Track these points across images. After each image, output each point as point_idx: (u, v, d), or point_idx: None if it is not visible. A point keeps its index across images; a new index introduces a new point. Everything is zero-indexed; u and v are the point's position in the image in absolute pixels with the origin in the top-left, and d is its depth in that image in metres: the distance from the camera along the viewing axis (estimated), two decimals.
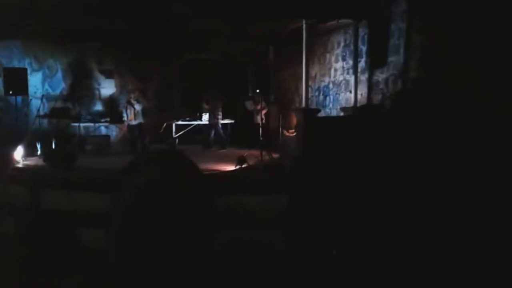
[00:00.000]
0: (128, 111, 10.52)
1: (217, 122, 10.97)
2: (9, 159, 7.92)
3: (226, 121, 11.46)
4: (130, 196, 3.56)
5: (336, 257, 4.29)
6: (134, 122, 10.50)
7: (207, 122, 11.20)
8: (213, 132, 10.99)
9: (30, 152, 8.96)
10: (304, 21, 8.35)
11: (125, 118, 10.63)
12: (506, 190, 4.44)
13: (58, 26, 8.73)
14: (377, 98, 8.09)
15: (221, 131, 11.02)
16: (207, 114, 11.22)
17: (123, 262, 3.52)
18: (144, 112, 10.84)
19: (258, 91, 9.58)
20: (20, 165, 8.05)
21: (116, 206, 3.77)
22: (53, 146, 9.38)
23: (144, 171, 3.93)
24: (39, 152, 9.17)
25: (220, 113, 11.06)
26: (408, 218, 4.74)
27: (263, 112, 10.15)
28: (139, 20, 8.00)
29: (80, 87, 11.89)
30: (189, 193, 4.07)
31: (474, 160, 4.84)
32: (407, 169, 5.37)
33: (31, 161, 8.52)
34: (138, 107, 10.55)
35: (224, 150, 10.56)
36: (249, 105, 10.72)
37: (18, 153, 8.32)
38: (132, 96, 10.87)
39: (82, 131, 10.90)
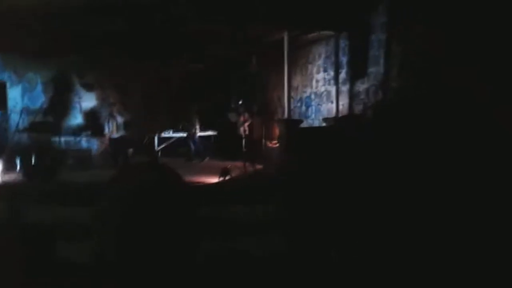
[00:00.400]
0: (110, 124, 10.43)
1: (194, 134, 10.94)
2: None
3: (209, 132, 11.43)
4: (119, 203, 3.53)
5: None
6: (115, 135, 10.40)
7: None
8: (192, 145, 10.95)
9: (9, 167, 8.79)
10: (286, 32, 8.44)
11: (106, 131, 10.53)
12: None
13: (40, 36, 8.61)
14: (358, 108, 8.18)
15: (199, 143, 10.98)
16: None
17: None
18: (126, 124, 10.76)
19: (240, 102, 9.63)
20: None
21: (105, 213, 3.74)
22: (33, 161, 9.22)
23: (131, 181, 3.91)
24: (18, 167, 9.00)
25: (197, 125, 11.05)
26: (398, 218, 4.77)
27: (246, 124, 10.17)
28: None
29: (60, 101, 11.74)
30: (174, 204, 4.05)
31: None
32: (392, 173, 5.42)
33: (10, 176, 8.37)
34: (119, 120, 10.47)
35: (203, 162, 10.52)
36: (232, 116, 10.72)
37: None
38: (114, 109, 10.79)
39: (63, 145, 10.75)
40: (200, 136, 11.12)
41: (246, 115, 10.06)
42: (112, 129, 10.41)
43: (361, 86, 8.10)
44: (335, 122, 8.14)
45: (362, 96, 8.04)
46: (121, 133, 10.43)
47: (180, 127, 11.29)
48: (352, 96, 8.39)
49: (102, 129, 10.75)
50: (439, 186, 4.91)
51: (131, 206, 3.58)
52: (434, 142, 5.34)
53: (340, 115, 8.56)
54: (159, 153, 10.98)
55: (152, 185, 4.06)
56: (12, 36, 8.46)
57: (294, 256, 4.55)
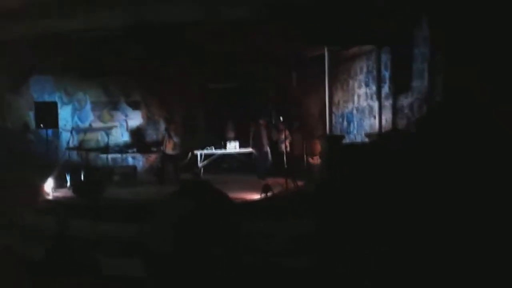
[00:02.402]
0: (166, 141, 10.63)
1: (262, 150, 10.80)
2: (40, 191, 8.12)
3: (250, 149, 11.50)
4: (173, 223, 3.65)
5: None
6: (171, 152, 10.59)
7: (235, 151, 11.22)
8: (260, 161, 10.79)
9: (59, 183, 9.16)
10: (326, 48, 8.41)
11: (162, 148, 10.76)
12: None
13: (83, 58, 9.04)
14: (402, 123, 7.99)
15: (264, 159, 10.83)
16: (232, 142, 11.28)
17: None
18: (181, 142, 10.91)
19: (281, 118, 9.63)
20: (50, 197, 8.24)
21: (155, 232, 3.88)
22: (82, 178, 9.58)
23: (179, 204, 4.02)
24: (68, 184, 9.37)
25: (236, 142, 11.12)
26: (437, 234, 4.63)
27: (287, 140, 10.15)
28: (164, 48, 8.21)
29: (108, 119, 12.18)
30: (217, 221, 4.12)
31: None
32: (437, 188, 5.25)
33: (61, 193, 8.71)
34: (176, 139, 10.63)
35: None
36: (273, 134, 10.73)
37: (48, 185, 8.53)
38: (172, 127, 10.91)
39: (110, 162, 11.11)
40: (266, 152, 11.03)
41: (287, 132, 10.04)
42: (169, 145, 10.57)
43: (404, 101, 7.93)
44: (378, 138, 7.98)
45: (406, 111, 7.86)
46: (177, 151, 10.60)
47: (222, 143, 11.40)
48: (395, 111, 8.22)
49: (148, 147, 11.01)
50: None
51: (183, 226, 3.66)
52: (479, 159, 5.15)
53: (383, 130, 8.39)
54: (202, 170, 11.12)
55: (202, 205, 4.13)
56: (62, 59, 8.92)
57: (329, 275, 4.47)
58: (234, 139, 11.46)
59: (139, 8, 6.82)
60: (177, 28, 7.50)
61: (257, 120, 10.81)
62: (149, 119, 12.57)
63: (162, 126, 12.04)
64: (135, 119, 12.50)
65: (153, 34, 7.68)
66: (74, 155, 11.12)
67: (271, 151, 10.75)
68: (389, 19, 7.64)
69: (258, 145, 10.73)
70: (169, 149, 10.58)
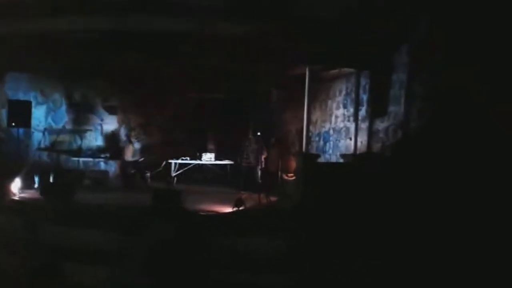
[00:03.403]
0: (126, 148, 10.60)
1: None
2: (7, 190, 7.88)
3: (226, 161, 11.49)
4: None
5: None
6: (130, 159, 10.54)
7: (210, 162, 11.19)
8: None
9: (27, 184, 8.92)
10: (307, 68, 8.54)
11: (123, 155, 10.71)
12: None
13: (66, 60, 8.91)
14: (377, 146, 8.15)
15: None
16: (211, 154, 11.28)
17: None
18: (145, 148, 10.90)
19: (259, 133, 9.68)
20: (16, 197, 8.00)
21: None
22: (51, 180, 9.35)
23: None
24: (36, 185, 9.13)
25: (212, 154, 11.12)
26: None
27: (263, 156, 10.19)
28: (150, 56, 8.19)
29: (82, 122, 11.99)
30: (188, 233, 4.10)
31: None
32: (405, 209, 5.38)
33: (28, 194, 8.48)
34: (137, 145, 10.61)
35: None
36: (249, 149, 10.75)
37: (16, 185, 8.29)
38: (133, 133, 10.94)
39: (82, 165, 10.90)
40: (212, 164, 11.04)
41: (264, 147, 10.08)
42: (128, 153, 10.56)
43: (380, 125, 8.09)
44: (353, 159, 8.10)
45: (381, 135, 8.02)
46: (136, 157, 10.55)
47: (197, 154, 11.37)
48: (371, 134, 8.37)
49: (121, 152, 10.90)
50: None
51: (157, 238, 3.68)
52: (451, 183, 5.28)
53: (358, 152, 8.52)
54: (175, 179, 11.04)
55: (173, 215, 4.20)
56: (39, 58, 8.75)
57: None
58: (211, 150, 11.45)
59: (124, 14, 6.78)
60: (160, 37, 7.49)
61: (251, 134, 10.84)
62: (125, 124, 12.41)
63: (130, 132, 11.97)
64: (111, 123, 12.32)
65: (136, 41, 7.65)
66: (45, 156, 10.85)
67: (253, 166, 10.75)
68: (370, 44, 7.83)
69: (249, 159, 10.75)
70: (128, 155, 10.53)
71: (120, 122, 12.36)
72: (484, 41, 5.25)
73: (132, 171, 10.58)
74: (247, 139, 10.99)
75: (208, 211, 7.54)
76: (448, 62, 5.80)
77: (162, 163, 11.16)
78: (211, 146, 11.54)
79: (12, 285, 3.88)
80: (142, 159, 10.86)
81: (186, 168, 11.27)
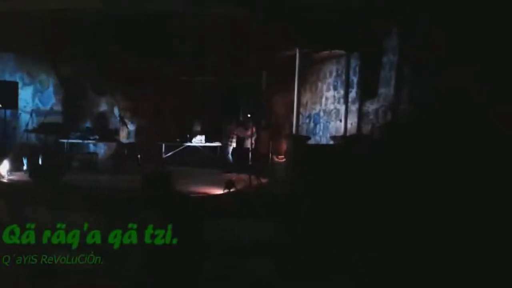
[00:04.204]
0: (121, 129, 10.52)
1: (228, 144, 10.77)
2: None
3: (216, 143, 11.46)
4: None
5: None
6: (125, 141, 10.48)
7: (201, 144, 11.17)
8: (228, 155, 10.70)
9: (16, 167, 8.85)
10: (297, 49, 8.49)
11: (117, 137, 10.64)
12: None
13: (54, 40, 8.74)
14: (366, 128, 8.18)
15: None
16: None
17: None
18: (136, 131, 10.84)
19: (249, 115, 9.66)
20: (4, 180, 7.94)
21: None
22: (40, 162, 9.28)
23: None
24: (25, 167, 9.05)
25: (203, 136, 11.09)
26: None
27: (253, 138, 10.18)
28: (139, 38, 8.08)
29: (71, 103, 11.85)
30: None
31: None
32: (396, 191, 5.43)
33: (17, 176, 8.41)
34: (131, 127, 10.55)
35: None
36: (239, 131, 10.73)
37: (3, 168, 8.22)
38: (125, 115, 10.86)
39: (70, 147, 10.81)
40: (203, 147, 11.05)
41: (253, 129, 10.08)
42: (123, 135, 10.49)
43: (370, 107, 8.11)
44: (343, 141, 8.14)
45: (371, 117, 8.05)
46: (131, 139, 10.50)
47: (187, 136, 11.33)
48: (361, 116, 8.40)
49: (111, 134, 10.81)
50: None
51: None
52: (441, 165, 5.33)
53: (348, 134, 8.56)
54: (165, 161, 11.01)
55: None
56: (27, 38, 8.58)
57: (294, 274, 4.54)
58: (201, 132, 11.40)
59: None
60: (151, 19, 7.38)
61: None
62: (114, 106, 12.29)
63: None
64: (100, 105, 12.20)
65: (127, 23, 7.52)
66: (33, 138, 10.73)
67: (236, 146, 10.78)
68: (360, 25, 7.79)
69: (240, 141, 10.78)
70: (123, 137, 10.49)
71: (110, 104, 12.25)
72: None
73: (125, 153, 10.53)
74: (238, 121, 10.95)
75: (199, 193, 7.55)
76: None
77: (152, 145, 11.11)
78: (199, 128, 11.46)
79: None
80: (134, 141, 10.82)
81: (176, 150, 11.24)
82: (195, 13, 6.93)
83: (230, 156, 10.60)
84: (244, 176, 8.60)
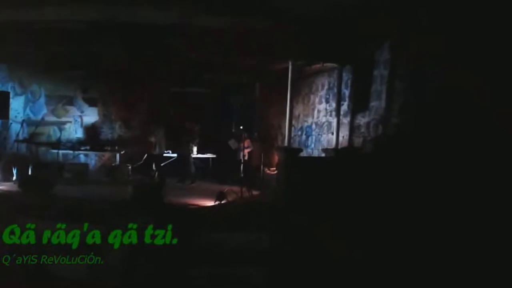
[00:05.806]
0: (112, 140, 10.50)
1: (189, 155, 10.88)
2: None
3: (208, 155, 11.43)
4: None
5: None
6: (117, 152, 10.43)
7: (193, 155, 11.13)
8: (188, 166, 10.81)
9: (5, 177, 8.76)
10: (290, 62, 8.54)
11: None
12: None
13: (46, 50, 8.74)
14: (358, 141, 8.22)
15: (192, 165, 10.89)
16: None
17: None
18: (128, 141, 10.79)
19: (241, 127, 9.67)
20: None
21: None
22: (30, 172, 9.19)
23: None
24: (14, 178, 8.96)
25: (194, 147, 11.02)
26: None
27: (247, 150, 10.18)
28: (134, 48, 8.10)
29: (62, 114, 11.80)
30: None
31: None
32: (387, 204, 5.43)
33: (5, 186, 8.32)
34: (122, 137, 10.50)
35: (192, 184, 10.45)
36: (232, 143, 10.70)
37: None
38: (116, 125, 10.82)
39: (61, 158, 10.72)
40: (195, 158, 11.02)
41: (248, 142, 10.08)
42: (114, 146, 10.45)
43: (362, 120, 8.16)
44: (335, 154, 8.15)
45: (363, 130, 8.09)
46: (122, 150, 10.46)
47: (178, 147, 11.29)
48: (353, 128, 8.44)
49: (102, 145, 10.76)
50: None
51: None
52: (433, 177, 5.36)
53: (340, 146, 8.58)
54: (156, 173, 10.93)
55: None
56: (19, 48, 8.57)
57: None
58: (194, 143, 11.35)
59: (110, 5, 6.67)
60: (146, 30, 7.41)
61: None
62: (106, 117, 12.23)
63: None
64: (91, 116, 12.12)
65: (121, 33, 7.54)
66: (23, 148, 10.64)
67: (227, 157, 10.76)
68: (352, 39, 7.87)
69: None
70: (114, 148, 10.48)
71: (101, 115, 12.19)
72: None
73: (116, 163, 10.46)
74: (230, 133, 10.95)
75: (190, 205, 7.51)
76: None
77: (143, 156, 11.04)
78: (193, 140, 11.43)
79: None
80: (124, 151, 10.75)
81: (167, 162, 11.17)
82: (188, 25, 6.96)
83: None
84: (235, 188, 8.57)
